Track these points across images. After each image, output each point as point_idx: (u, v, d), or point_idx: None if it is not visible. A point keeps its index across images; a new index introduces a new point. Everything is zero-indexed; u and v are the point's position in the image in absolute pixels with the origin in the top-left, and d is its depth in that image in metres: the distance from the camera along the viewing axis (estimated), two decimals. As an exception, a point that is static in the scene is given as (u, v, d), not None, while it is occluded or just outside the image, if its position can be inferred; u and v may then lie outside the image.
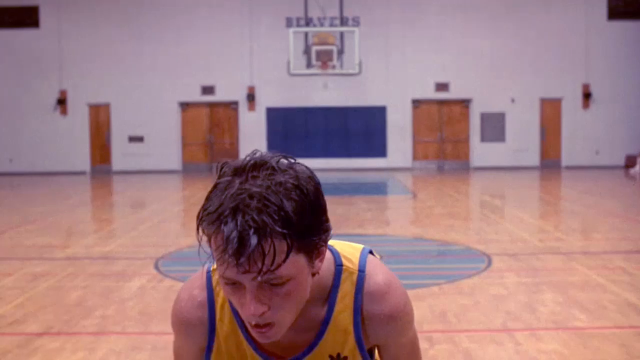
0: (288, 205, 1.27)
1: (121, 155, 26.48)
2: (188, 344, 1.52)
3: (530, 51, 25.94)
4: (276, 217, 1.25)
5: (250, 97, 26.17)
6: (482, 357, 5.10)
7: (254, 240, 1.23)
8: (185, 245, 10.30)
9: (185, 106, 26.62)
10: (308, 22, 24.81)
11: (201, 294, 1.51)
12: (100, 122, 26.57)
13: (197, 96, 26.38)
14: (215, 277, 1.50)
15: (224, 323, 1.50)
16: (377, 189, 20.08)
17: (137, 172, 25.88)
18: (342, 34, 23.81)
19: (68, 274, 8.15)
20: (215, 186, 1.33)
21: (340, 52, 23.43)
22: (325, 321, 1.49)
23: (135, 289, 7.37)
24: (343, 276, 1.48)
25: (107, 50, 26.05)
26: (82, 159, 26.54)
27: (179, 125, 26.61)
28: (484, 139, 26.46)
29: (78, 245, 10.35)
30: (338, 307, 1.47)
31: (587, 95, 26.07)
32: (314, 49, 22.85)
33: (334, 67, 23.07)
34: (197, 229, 1.33)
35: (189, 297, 1.51)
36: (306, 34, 23.77)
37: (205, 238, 1.32)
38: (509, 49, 25.94)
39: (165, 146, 26.40)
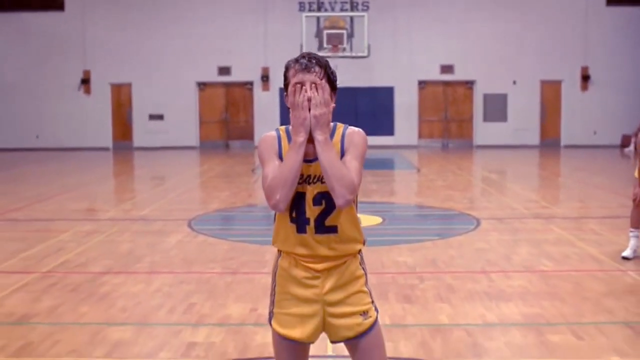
0: (326, 62, 2.90)
1: (142, 132, 27.68)
2: (273, 147, 2.94)
3: (531, 35, 26.87)
4: (321, 60, 2.88)
5: (265, 78, 27.29)
6: (461, 289, 6.38)
7: (314, 62, 2.85)
8: (212, 209, 11.62)
9: (202, 86, 27.78)
10: (320, 6, 25.85)
11: (272, 131, 3.03)
12: (122, 100, 27.78)
13: (214, 76, 27.51)
14: (281, 128, 3.01)
15: (284, 141, 2.94)
16: (384, 165, 21.10)
17: (157, 148, 27.13)
18: (352, 19, 24.75)
19: (115, 231, 9.47)
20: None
21: (350, 35, 24.36)
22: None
23: (174, 242, 8.68)
24: (338, 126, 2.95)
25: (129, 32, 27.18)
26: (104, 135, 27.76)
27: (196, 104, 27.79)
28: (486, 119, 27.50)
29: (116, 210, 11.66)
30: (334, 136, 2.91)
31: (585, 78, 27.06)
32: (325, 32, 23.77)
33: (344, 49, 23.97)
34: (285, 71, 2.93)
35: (268, 133, 3.01)
36: (318, 18, 24.74)
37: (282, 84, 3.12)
38: (511, 33, 26.88)
39: (183, 124, 27.59)
